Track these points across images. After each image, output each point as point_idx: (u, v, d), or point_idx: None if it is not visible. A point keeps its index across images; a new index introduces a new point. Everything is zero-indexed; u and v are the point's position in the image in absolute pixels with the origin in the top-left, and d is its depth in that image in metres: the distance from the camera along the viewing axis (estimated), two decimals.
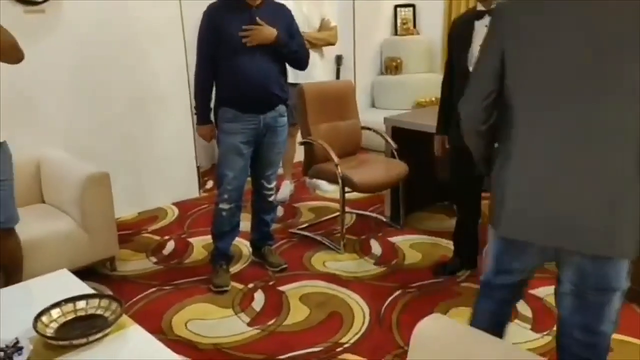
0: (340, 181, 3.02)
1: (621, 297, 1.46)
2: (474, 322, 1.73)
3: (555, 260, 1.54)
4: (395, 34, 5.77)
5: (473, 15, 2.42)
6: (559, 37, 1.31)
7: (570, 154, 1.34)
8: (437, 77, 5.55)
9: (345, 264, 2.99)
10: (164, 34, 3.71)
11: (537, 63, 1.35)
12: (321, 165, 3.20)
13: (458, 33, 2.49)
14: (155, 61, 3.70)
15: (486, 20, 2.30)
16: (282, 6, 2.73)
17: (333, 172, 3.05)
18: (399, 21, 5.73)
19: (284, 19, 2.64)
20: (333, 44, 4.02)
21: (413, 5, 5.77)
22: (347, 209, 3.73)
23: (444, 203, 3.81)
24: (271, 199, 2.89)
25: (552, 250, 1.47)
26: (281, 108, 2.70)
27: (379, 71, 5.81)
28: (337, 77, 5.64)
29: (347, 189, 3.07)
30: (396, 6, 5.71)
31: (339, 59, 5.66)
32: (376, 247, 3.20)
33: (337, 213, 3.64)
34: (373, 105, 5.78)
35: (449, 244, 3.14)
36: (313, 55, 3.79)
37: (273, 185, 2.86)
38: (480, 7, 2.38)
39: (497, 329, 1.67)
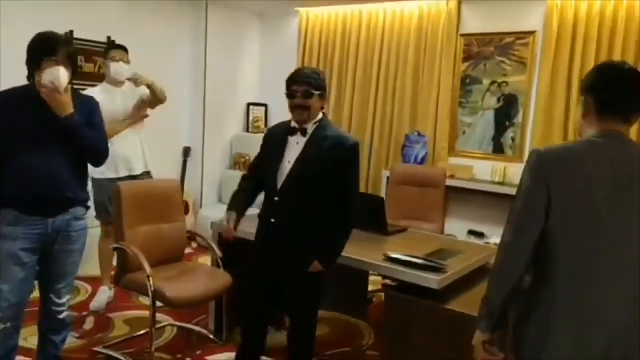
0: (150, 295, 2.72)
1: None
2: None
3: None
4: (247, 130, 5.78)
5: (286, 129, 2.40)
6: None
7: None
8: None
9: None
10: None
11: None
12: (133, 274, 2.88)
13: (274, 142, 2.44)
14: None
15: (298, 137, 2.33)
16: (88, 98, 2.52)
17: (145, 284, 2.75)
18: (250, 118, 5.77)
19: (85, 107, 2.38)
20: (163, 101, 3.71)
21: (265, 105, 5.87)
22: (169, 319, 3.40)
23: (275, 312, 3.63)
24: (62, 315, 2.46)
25: None
26: (77, 210, 2.38)
27: (228, 165, 5.71)
28: (184, 169, 5.44)
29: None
30: (248, 104, 5.76)
31: (186, 151, 5.49)
32: None
33: (158, 325, 3.30)
34: (220, 201, 5.61)
35: None
36: (134, 141, 3.61)
37: (65, 300, 2.46)
38: (293, 124, 2.38)
39: None
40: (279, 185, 2.33)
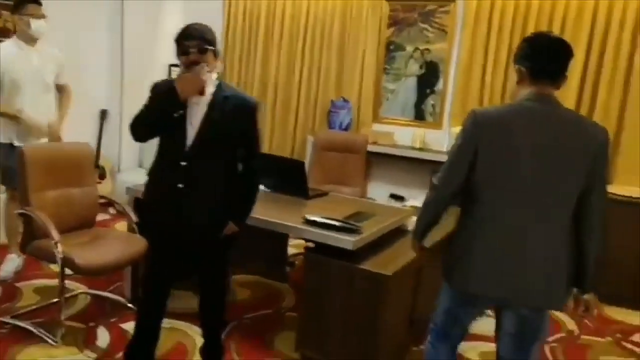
0: (59, 262, 2.60)
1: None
2: None
3: (499, 308, 1.98)
4: None
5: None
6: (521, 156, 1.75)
7: (525, 234, 1.78)
8: None
9: None
10: None
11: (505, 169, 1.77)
12: (41, 241, 2.74)
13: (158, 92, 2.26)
14: None
15: (196, 98, 2.18)
16: None
17: (53, 251, 2.62)
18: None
19: None
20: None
21: None
22: (82, 288, 3.29)
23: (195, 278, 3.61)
24: None
25: (501, 301, 1.88)
26: None
27: None
28: (100, 133, 5.19)
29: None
30: (170, 65, 5.53)
31: (103, 114, 5.23)
32: (104, 337, 2.80)
33: (70, 294, 3.18)
34: (141, 166, 5.41)
35: (190, 328, 2.92)
36: (48, 108, 3.43)
37: None
38: None
39: None
40: (186, 149, 2.22)
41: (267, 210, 2.92)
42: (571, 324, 3.43)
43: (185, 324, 2.98)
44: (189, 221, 2.25)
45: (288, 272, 3.78)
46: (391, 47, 4.91)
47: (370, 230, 2.69)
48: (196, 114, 2.22)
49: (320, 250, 2.61)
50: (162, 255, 2.38)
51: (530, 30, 4.15)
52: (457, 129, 4.40)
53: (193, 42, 2.15)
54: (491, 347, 2.63)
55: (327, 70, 5.12)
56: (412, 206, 3.71)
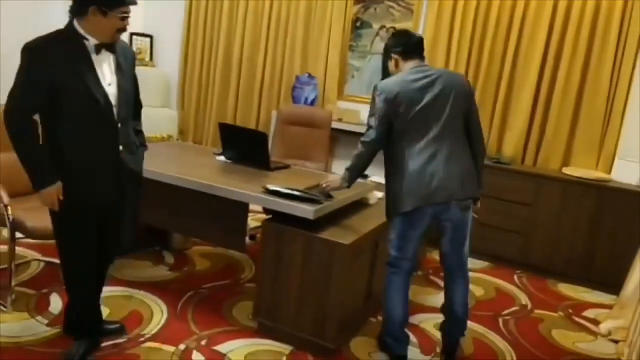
0: (8, 227, 2.52)
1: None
2: (389, 301, 2.53)
3: (437, 223, 2.45)
4: None
5: (80, 47, 2.04)
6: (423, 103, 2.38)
7: (441, 158, 2.37)
8: (171, 113, 5.46)
9: (8, 326, 2.46)
10: None
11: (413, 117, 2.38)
12: None
13: (70, 62, 2.02)
14: None
15: (105, 55, 2.07)
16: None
17: (2, 215, 2.53)
18: (134, 49, 5.39)
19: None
20: None
21: (150, 36, 5.52)
22: (36, 255, 3.20)
23: (155, 248, 3.56)
24: None
25: (435, 209, 2.39)
26: None
27: None
28: None
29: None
30: (132, 34, 5.38)
31: None
32: (56, 303, 2.74)
33: (23, 260, 3.09)
34: None
35: (147, 297, 2.89)
36: None
37: None
38: (94, 41, 2.03)
39: (406, 302, 2.53)
40: (115, 112, 2.11)
41: (227, 180, 2.90)
42: (524, 298, 3.55)
43: (142, 292, 2.95)
44: (115, 185, 2.19)
45: (248, 245, 3.76)
46: (357, 25, 4.89)
47: (330, 200, 2.69)
48: (105, 71, 2.09)
49: (280, 219, 2.60)
50: (90, 229, 2.19)
51: (495, 6, 4.22)
52: None
53: (129, 9, 2.05)
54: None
55: (293, 45, 5.07)
56: (373, 181, 3.75)
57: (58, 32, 2.04)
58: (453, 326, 2.58)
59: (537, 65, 4.18)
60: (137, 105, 2.38)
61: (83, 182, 2.09)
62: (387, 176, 2.51)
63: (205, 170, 3.07)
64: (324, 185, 2.68)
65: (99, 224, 2.21)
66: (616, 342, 3.04)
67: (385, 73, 2.60)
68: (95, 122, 2.08)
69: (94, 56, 2.05)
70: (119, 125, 2.14)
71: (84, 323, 2.33)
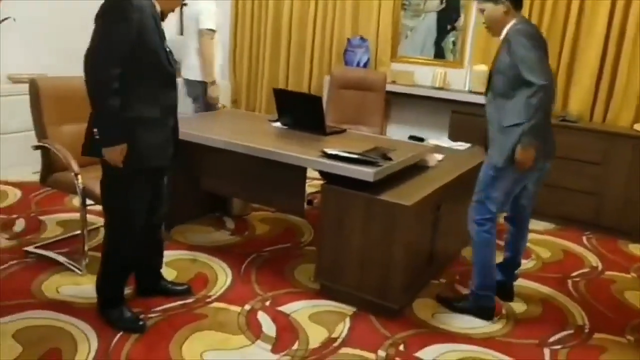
0: (80, 194, 2.62)
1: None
2: (489, 257, 2.59)
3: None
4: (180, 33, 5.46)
5: (151, 12, 2.12)
6: None
7: None
8: (224, 83, 5.43)
9: (84, 288, 2.58)
10: None
11: None
12: (60, 174, 2.75)
13: (150, 22, 2.11)
14: None
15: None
16: None
17: (73, 183, 2.64)
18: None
19: None
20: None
21: None
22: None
23: (215, 214, 3.64)
24: None
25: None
26: None
27: None
28: None
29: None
30: (182, 2, 5.38)
31: None
32: None
33: (93, 227, 3.23)
34: None
35: (211, 260, 2.97)
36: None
37: None
38: (159, 8, 2.16)
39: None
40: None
41: (285, 145, 2.90)
42: (595, 260, 3.41)
43: (206, 255, 3.03)
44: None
45: (306, 210, 3.78)
46: None
47: (388, 163, 2.64)
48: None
49: (337, 183, 2.58)
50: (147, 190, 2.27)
51: None
52: (480, 67, 4.31)
53: None
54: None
55: (343, 7, 4.96)
56: (431, 144, 3.65)
57: None
58: (513, 273, 2.80)
59: (606, 15, 3.91)
60: None
61: (148, 141, 2.15)
62: (511, 126, 2.38)
63: (261, 136, 3.08)
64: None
65: (153, 185, 2.29)
66: None
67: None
68: (164, 84, 2.16)
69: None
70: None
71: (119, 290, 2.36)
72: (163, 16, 2.19)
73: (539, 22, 4.15)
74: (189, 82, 3.98)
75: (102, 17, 2.01)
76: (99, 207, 3.07)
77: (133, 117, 2.09)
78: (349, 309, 2.58)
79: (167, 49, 2.17)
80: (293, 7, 5.18)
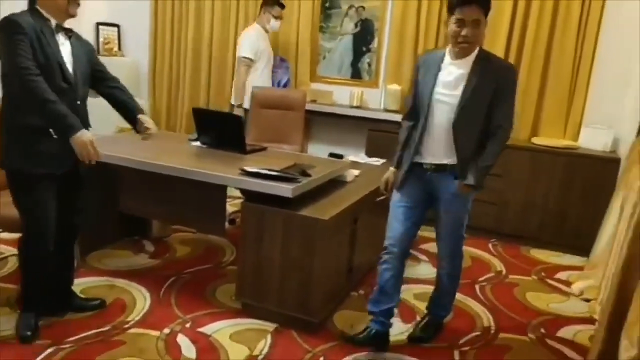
0: None
1: None
2: None
3: None
4: (97, 53, 5.32)
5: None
6: None
7: None
8: (142, 102, 5.35)
9: None
10: None
11: None
12: None
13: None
14: None
15: (63, 36, 2.28)
16: None
17: None
18: (101, 40, 5.31)
19: None
20: None
21: (117, 25, 5.43)
22: (12, 250, 3.17)
23: (134, 238, 3.56)
24: None
25: None
26: None
27: None
28: None
29: None
30: (98, 24, 5.28)
31: None
32: None
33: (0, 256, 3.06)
34: None
35: (130, 285, 2.90)
36: None
37: None
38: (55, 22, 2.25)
39: None
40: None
41: (204, 164, 2.91)
42: (499, 265, 3.66)
43: (124, 281, 2.96)
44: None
45: (228, 229, 3.78)
46: (326, 5, 4.89)
47: (307, 179, 2.73)
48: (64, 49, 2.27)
49: (258, 200, 2.63)
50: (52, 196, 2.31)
51: None
52: (393, 87, 4.53)
53: None
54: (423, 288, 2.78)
55: None
56: (349, 160, 3.79)
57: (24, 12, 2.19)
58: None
59: (504, 39, 4.25)
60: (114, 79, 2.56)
61: (37, 149, 2.19)
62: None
63: (181, 156, 3.07)
64: None
65: (60, 194, 2.32)
66: (588, 301, 3.17)
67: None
68: (59, 91, 2.17)
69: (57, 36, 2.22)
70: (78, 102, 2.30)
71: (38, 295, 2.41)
72: (60, 28, 2.24)
73: (446, 43, 4.44)
74: None
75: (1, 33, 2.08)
76: (7, 235, 2.95)
77: (23, 124, 2.17)
78: (270, 326, 2.61)
79: (61, 64, 2.20)
80: (214, 25, 5.20)
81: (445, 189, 2.36)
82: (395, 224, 2.45)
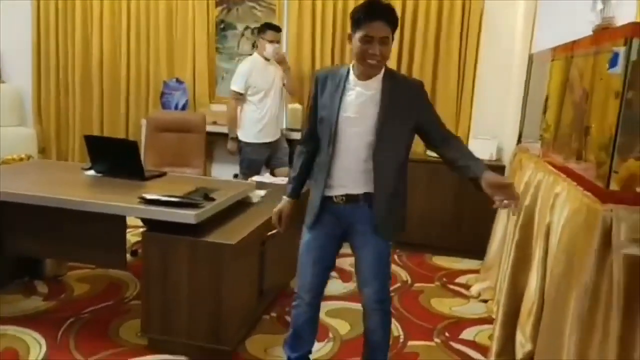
0: None
1: None
2: None
3: None
4: None
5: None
6: None
7: None
8: (29, 131, 5.02)
9: None
10: None
11: None
12: None
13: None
14: None
15: None
16: None
17: None
18: None
19: None
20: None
21: None
22: None
23: (24, 279, 3.28)
24: None
25: None
26: None
27: None
28: None
29: None
30: None
31: None
32: None
33: None
34: None
35: (22, 332, 2.67)
36: None
37: None
38: None
39: None
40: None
41: (100, 194, 2.76)
42: (405, 274, 3.81)
43: (15, 327, 2.71)
44: None
45: (130, 262, 3.60)
46: (222, 27, 4.87)
47: (211, 203, 2.67)
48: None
49: (160, 229, 2.53)
50: None
51: (351, 4, 4.44)
52: (294, 106, 4.59)
53: None
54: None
55: (157, 49, 4.92)
56: (254, 180, 3.77)
57: None
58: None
59: (395, 56, 4.47)
60: None
61: None
62: (406, 190, 2.25)
63: (74, 186, 2.88)
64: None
65: None
66: (486, 301, 3.38)
67: None
68: None
69: None
70: None
71: None
72: None
73: (341, 62, 4.59)
74: None
75: None
76: None
77: None
78: (181, 359, 2.51)
79: None
80: (103, 46, 4.98)
81: (361, 222, 2.12)
82: (305, 270, 2.22)
